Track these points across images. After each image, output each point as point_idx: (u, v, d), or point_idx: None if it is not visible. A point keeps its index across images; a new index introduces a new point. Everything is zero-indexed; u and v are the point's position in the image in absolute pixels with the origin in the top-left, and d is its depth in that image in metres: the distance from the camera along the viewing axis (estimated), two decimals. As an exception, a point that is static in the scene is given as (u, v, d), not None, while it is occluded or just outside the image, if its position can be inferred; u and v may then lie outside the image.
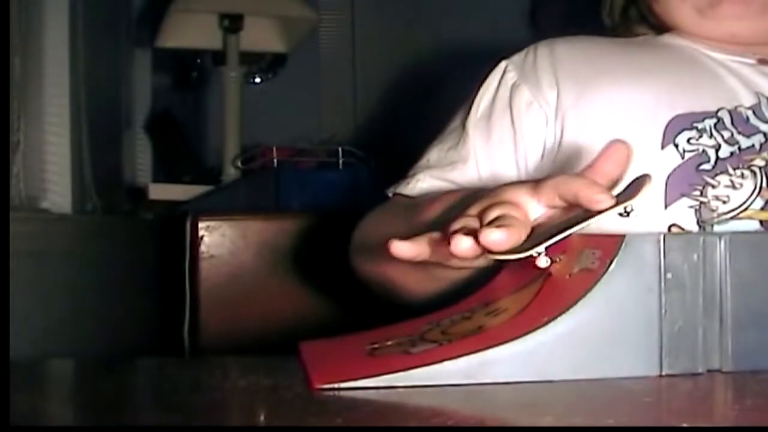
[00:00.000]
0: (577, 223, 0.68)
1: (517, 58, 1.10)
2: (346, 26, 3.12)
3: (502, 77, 1.09)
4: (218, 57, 2.58)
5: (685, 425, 0.55)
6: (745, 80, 1.05)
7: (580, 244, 0.71)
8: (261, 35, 2.57)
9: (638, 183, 0.71)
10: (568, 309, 0.66)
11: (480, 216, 0.73)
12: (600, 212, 0.68)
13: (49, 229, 2.06)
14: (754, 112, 1.02)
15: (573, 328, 0.66)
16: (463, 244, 0.70)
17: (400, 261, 0.76)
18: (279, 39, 2.61)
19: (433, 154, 1.09)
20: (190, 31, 2.53)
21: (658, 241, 0.67)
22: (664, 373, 0.67)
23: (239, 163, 2.44)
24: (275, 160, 2.29)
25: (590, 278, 0.67)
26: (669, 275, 0.67)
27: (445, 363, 0.65)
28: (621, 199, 0.69)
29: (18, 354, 1.38)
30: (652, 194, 0.98)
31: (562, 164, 1.02)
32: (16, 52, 1.90)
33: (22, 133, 1.98)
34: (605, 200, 0.68)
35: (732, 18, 1.06)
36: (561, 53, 1.08)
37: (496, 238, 0.67)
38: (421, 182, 1.06)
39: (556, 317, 0.66)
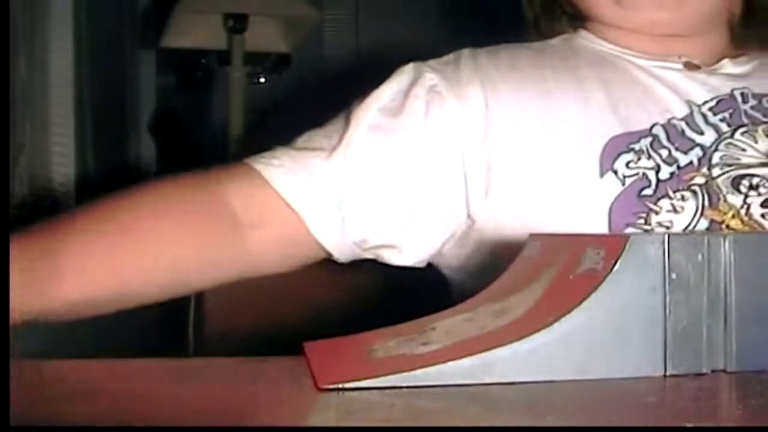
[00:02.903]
0: None
1: (434, 62, 1.04)
2: (350, 26, 3.12)
3: (418, 78, 1.02)
4: (223, 57, 2.59)
5: (689, 425, 0.55)
6: (675, 89, 1.01)
7: (584, 244, 0.71)
8: (265, 35, 2.57)
9: None
10: (572, 309, 0.66)
11: None
12: None
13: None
14: (687, 124, 0.99)
15: (577, 328, 0.66)
16: None
17: None
18: (283, 39, 2.62)
19: (303, 136, 1.02)
20: (195, 32, 2.54)
21: (663, 242, 0.67)
22: (668, 373, 0.66)
23: (244, 164, 2.44)
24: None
25: (594, 279, 0.67)
26: (673, 275, 0.67)
27: (449, 363, 0.65)
28: None
29: (18, 354, 1.38)
30: (595, 226, 0.95)
31: (497, 191, 0.98)
32: (21, 55, 1.90)
33: (28, 136, 1.99)
34: None
35: (650, 7, 1.03)
36: (486, 67, 1.02)
37: None
38: (276, 161, 0.99)
39: (560, 318, 0.66)
